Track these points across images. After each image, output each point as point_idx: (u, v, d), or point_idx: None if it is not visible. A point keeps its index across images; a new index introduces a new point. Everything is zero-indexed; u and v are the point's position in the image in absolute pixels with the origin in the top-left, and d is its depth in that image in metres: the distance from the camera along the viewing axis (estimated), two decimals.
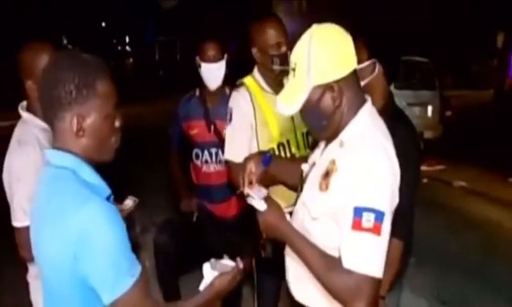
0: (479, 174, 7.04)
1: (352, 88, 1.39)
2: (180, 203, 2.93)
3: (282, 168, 1.80)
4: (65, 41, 22.52)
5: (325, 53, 1.34)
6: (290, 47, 1.46)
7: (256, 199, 1.47)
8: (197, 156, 2.83)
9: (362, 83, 1.94)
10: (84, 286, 1.18)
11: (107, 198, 1.28)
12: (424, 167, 7.29)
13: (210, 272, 1.40)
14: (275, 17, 2.30)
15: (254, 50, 2.28)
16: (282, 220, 1.46)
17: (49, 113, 1.23)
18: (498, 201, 5.99)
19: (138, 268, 1.22)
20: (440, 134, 8.45)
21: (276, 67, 2.23)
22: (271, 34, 2.21)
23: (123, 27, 32.88)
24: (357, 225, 1.26)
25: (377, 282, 1.27)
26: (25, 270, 1.90)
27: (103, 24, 31.64)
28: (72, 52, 1.29)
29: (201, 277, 1.43)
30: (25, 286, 1.90)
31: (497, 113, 12.04)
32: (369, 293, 1.27)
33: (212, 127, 2.78)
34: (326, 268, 1.33)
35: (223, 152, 2.71)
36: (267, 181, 1.76)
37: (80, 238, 1.13)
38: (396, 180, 1.35)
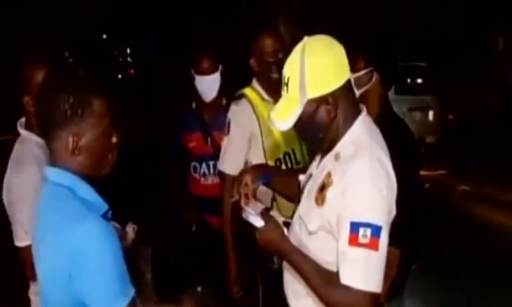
0: (481, 177, 7.00)
1: (347, 99, 1.39)
2: (179, 214, 2.93)
3: (281, 182, 1.80)
4: (66, 54, 22.59)
5: (318, 65, 1.33)
6: (285, 57, 1.45)
7: (253, 214, 1.45)
8: (195, 169, 2.84)
9: (359, 91, 1.95)
10: (79, 304, 1.18)
11: (105, 214, 1.28)
12: (426, 172, 7.31)
13: None
14: (272, 28, 2.35)
15: (252, 61, 2.31)
16: (280, 236, 1.44)
17: (45, 132, 1.24)
18: (502, 204, 5.97)
19: (132, 290, 1.22)
20: (442, 138, 8.44)
21: (275, 74, 2.24)
22: (268, 42, 2.24)
23: (124, 39, 33.02)
24: (353, 240, 1.25)
25: (375, 297, 1.27)
26: (27, 286, 1.90)
27: (104, 36, 31.77)
28: (67, 70, 1.30)
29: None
30: (28, 302, 1.90)
31: (499, 115, 12.01)
32: None
33: (209, 139, 2.78)
34: (324, 284, 1.33)
35: None
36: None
37: (76, 256, 1.13)
38: (393, 191, 1.34)
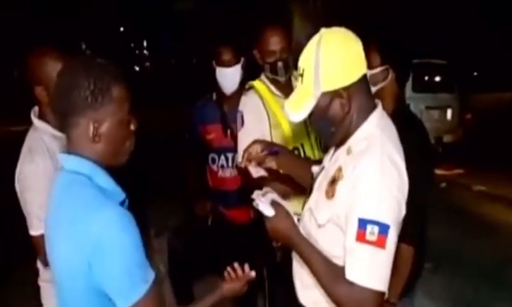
0: (498, 178, 6.91)
1: (361, 94, 1.36)
2: (195, 207, 2.91)
3: (290, 162, 1.79)
4: (84, 46, 22.82)
5: (333, 59, 1.31)
6: (298, 51, 1.43)
7: (264, 203, 1.44)
8: (213, 160, 2.81)
9: (374, 89, 1.94)
10: (97, 292, 1.18)
11: (122, 203, 1.28)
12: (442, 171, 7.24)
13: None
14: (279, 25, 2.26)
15: (255, 52, 2.29)
16: (290, 226, 1.44)
17: (64, 119, 1.23)
18: None
19: (152, 274, 1.22)
20: (460, 138, 8.32)
21: (267, 74, 2.26)
22: (268, 41, 2.20)
23: (140, 32, 33.25)
24: (361, 237, 1.24)
25: (379, 295, 1.25)
26: (36, 274, 1.91)
27: (121, 29, 31.99)
28: (86, 58, 1.29)
29: (215, 281, 1.44)
30: (36, 289, 1.91)
31: None
32: (373, 305, 1.25)
33: (229, 132, 2.74)
34: (330, 277, 1.32)
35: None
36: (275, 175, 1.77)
37: (95, 245, 1.13)
38: (403, 190, 1.32)
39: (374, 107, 1.40)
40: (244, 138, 2.24)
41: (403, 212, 1.32)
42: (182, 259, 2.83)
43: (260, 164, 1.72)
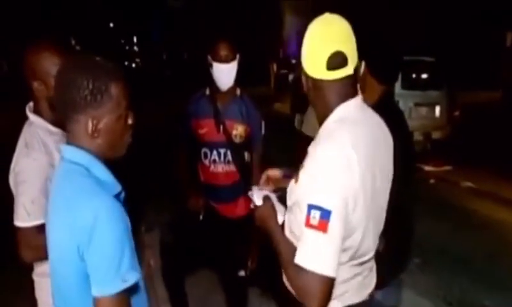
0: (486, 174, 6.99)
1: (330, 88, 1.43)
2: (187, 201, 2.92)
3: None
4: (73, 42, 22.63)
5: (306, 46, 1.45)
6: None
7: (259, 196, 1.68)
8: (205, 155, 2.79)
9: None
10: (86, 277, 1.21)
11: (118, 194, 1.32)
12: (431, 168, 7.32)
13: None
14: None
15: None
16: (270, 216, 1.59)
17: (64, 115, 1.28)
18: (506, 201, 5.95)
19: (134, 277, 1.23)
20: (448, 134, 8.39)
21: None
22: None
23: (130, 28, 33.04)
24: (307, 221, 1.30)
25: (325, 280, 1.28)
26: (30, 268, 1.91)
27: (111, 25, 31.70)
28: (85, 56, 1.32)
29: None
30: (30, 283, 1.91)
31: (505, 113, 11.95)
32: (318, 290, 1.27)
33: (221, 127, 2.73)
34: (286, 260, 1.40)
35: (231, 152, 2.72)
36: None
37: (85, 232, 1.17)
38: (352, 182, 1.32)
39: (346, 100, 1.44)
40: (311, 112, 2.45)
41: (351, 203, 1.33)
42: (175, 255, 2.84)
43: (277, 184, 1.87)
